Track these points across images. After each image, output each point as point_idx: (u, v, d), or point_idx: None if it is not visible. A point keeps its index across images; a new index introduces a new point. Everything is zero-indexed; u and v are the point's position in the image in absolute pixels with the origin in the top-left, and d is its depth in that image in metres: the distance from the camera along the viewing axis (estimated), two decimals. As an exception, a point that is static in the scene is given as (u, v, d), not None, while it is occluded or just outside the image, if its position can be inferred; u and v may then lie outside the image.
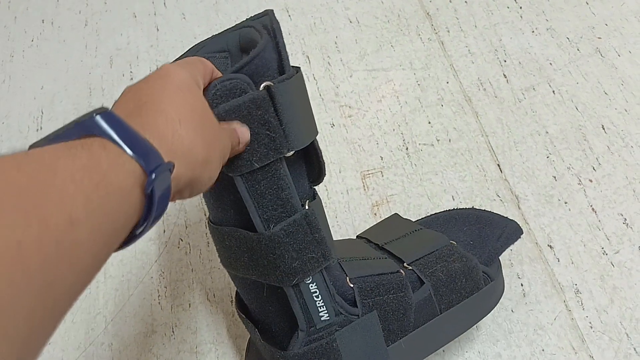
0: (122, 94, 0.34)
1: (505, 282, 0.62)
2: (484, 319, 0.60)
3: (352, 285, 0.49)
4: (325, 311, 0.48)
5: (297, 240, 0.45)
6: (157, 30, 0.90)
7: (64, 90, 0.86)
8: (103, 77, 0.86)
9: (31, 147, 0.28)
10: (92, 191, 0.25)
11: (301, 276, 0.46)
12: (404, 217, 0.64)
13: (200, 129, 0.34)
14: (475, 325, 0.60)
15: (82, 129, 0.28)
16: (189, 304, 0.66)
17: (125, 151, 0.28)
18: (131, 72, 0.86)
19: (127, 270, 0.69)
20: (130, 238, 0.29)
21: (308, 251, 0.46)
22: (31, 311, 0.22)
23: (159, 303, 0.67)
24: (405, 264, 0.52)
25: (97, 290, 0.68)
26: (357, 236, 0.61)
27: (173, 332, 0.65)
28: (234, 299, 0.59)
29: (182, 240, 0.71)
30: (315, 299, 0.47)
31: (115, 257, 0.71)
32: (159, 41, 0.88)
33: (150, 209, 0.29)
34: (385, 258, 0.54)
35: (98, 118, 0.28)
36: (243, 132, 0.40)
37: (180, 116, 0.32)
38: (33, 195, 0.23)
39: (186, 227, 0.71)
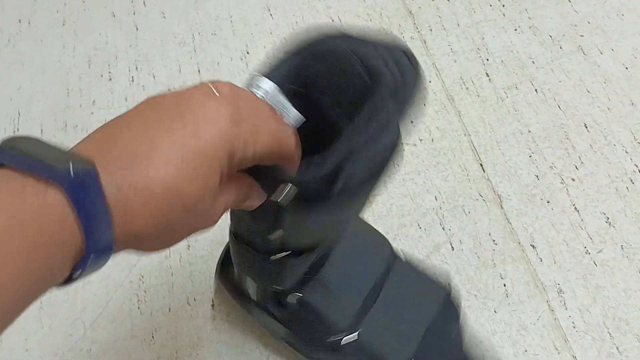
0: (144, 103, 0.29)
1: (488, 282, 0.62)
2: (468, 319, 0.60)
3: None
4: None
5: None
6: (137, 29, 0.88)
7: (41, 91, 0.85)
8: (81, 78, 0.85)
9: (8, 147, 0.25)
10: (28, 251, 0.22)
11: None
12: (387, 216, 0.64)
13: (177, 213, 0.27)
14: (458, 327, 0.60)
15: (52, 176, 0.24)
16: (169, 309, 0.65)
17: (77, 222, 0.24)
18: (110, 72, 0.84)
19: (106, 274, 0.68)
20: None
21: None
22: None
23: (139, 308, 0.65)
24: None
25: (76, 295, 0.67)
26: None
27: (153, 337, 0.64)
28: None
29: (162, 243, 0.69)
30: None
31: (94, 261, 0.70)
32: (138, 40, 0.87)
33: (74, 276, 0.26)
34: None
35: (64, 172, 0.24)
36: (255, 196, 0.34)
37: (164, 188, 0.26)
38: None
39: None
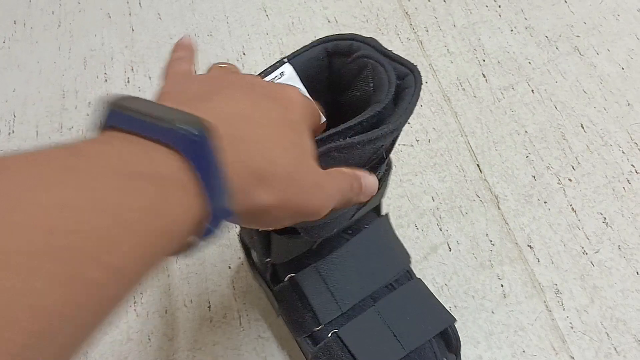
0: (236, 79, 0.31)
1: (485, 283, 0.62)
2: (465, 320, 0.60)
3: None
4: None
5: None
6: (132, 30, 0.88)
7: (37, 93, 0.84)
8: (77, 79, 0.85)
9: (113, 108, 0.24)
10: (149, 241, 0.21)
11: None
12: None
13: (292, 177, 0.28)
14: (456, 328, 0.60)
15: (173, 139, 0.23)
16: (166, 311, 0.65)
17: (202, 194, 0.23)
18: (105, 73, 0.84)
19: (102, 276, 0.67)
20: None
21: None
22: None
23: (135, 310, 0.65)
24: None
25: (71, 298, 0.67)
26: None
27: (149, 339, 0.63)
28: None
29: (158, 245, 0.69)
30: None
31: (90, 263, 0.69)
32: (134, 42, 0.87)
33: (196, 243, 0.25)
34: None
35: (200, 141, 0.23)
36: (369, 183, 0.37)
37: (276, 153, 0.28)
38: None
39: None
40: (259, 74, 0.40)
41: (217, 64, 0.37)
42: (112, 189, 0.20)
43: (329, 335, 0.52)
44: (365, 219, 0.54)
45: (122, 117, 0.23)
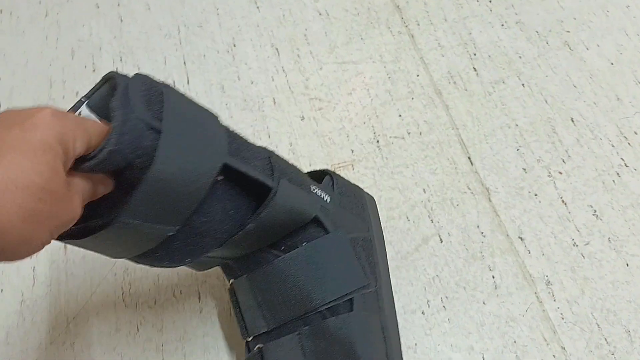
0: None
1: (476, 274, 0.62)
2: (457, 311, 0.60)
3: None
4: None
5: (290, 170, 0.50)
6: (121, 21, 0.87)
7: (23, 84, 0.83)
8: (64, 70, 0.84)
9: None
10: None
11: None
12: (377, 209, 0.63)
13: (28, 207, 0.31)
14: (447, 319, 0.60)
15: None
16: (155, 301, 0.64)
17: None
18: (93, 64, 0.83)
19: (90, 267, 0.67)
20: None
21: (297, 172, 0.52)
22: None
23: (123, 301, 0.64)
24: None
25: (59, 289, 0.66)
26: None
27: (138, 330, 0.62)
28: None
29: (147, 236, 0.68)
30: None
31: (77, 255, 0.68)
32: (122, 33, 0.86)
33: None
34: None
35: None
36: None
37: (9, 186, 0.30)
38: None
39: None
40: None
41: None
42: None
43: (255, 348, 0.52)
44: (306, 235, 0.51)
45: None
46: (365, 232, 0.57)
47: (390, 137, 0.72)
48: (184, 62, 0.82)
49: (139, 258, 0.44)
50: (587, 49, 0.75)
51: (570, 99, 0.72)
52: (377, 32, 0.81)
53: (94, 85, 0.40)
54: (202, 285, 0.64)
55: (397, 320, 0.58)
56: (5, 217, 0.29)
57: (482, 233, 0.64)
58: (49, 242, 0.33)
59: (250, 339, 0.53)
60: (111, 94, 0.38)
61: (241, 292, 0.53)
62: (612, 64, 0.74)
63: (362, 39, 0.81)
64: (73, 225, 0.36)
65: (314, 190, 0.52)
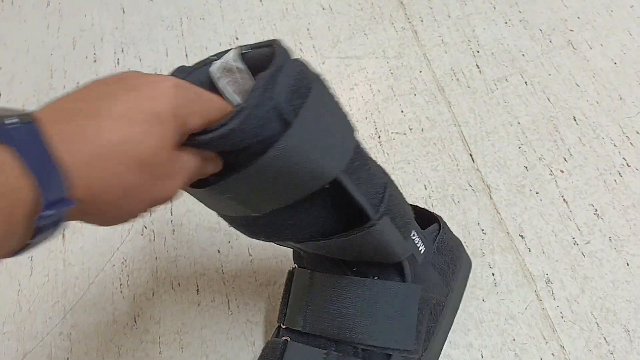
0: (85, 85, 0.30)
1: (476, 271, 0.61)
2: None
3: None
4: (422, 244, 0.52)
5: (399, 208, 0.47)
6: (123, 12, 0.87)
7: (24, 72, 0.83)
8: (65, 59, 0.83)
9: None
10: None
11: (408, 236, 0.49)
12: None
13: (131, 172, 0.29)
14: (446, 315, 0.60)
15: None
16: (153, 293, 0.64)
17: (28, 173, 0.24)
18: (95, 54, 0.83)
19: (88, 258, 0.66)
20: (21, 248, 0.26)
21: (406, 212, 0.49)
22: None
23: (121, 292, 0.64)
24: None
25: (56, 279, 0.65)
26: None
27: (135, 321, 0.62)
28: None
29: (146, 227, 0.68)
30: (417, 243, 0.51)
31: (75, 245, 0.68)
32: (124, 23, 0.85)
33: (36, 236, 0.26)
34: None
35: (11, 126, 0.24)
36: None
37: (117, 148, 0.28)
38: None
39: (150, 214, 0.68)
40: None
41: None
42: None
43: (283, 338, 0.51)
44: (382, 272, 0.50)
45: None
46: (441, 297, 0.55)
47: (392, 132, 0.72)
48: (186, 54, 0.81)
49: (229, 219, 0.44)
50: (591, 49, 0.75)
51: (573, 97, 0.72)
52: (381, 28, 0.81)
53: (253, 43, 0.40)
54: (200, 278, 0.64)
55: None
56: (103, 184, 0.28)
57: (483, 230, 0.64)
58: (139, 217, 0.32)
59: (284, 326, 0.52)
60: (267, 61, 0.36)
61: (298, 283, 0.52)
62: (616, 63, 0.73)
63: (365, 34, 0.81)
64: None
65: (412, 236, 0.50)
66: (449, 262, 0.56)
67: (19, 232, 0.25)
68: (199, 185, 0.38)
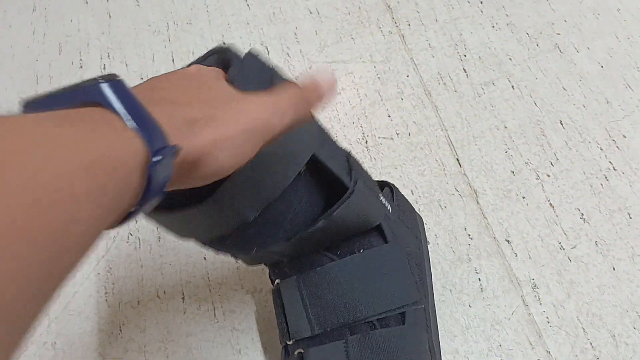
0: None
1: (463, 277, 0.61)
2: (442, 314, 0.59)
3: None
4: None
5: (363, 172, 0.49)
6: (110, 16, 0.86)
7: (9, 78, 0.82)
8: (51, 65, 0.83)
9: (24, 106, 0.25)
10: (93, 167, 0.22)
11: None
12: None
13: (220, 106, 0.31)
14: (432, 321, 0.59)
15: (82, 94, 0.25)
16: (138, 301, 0.63)
17: (129, 126, 0.25)
18: (81, 59, 0.82)
19: (73, 265, 0.66)
20: (125, 218, 0.27)
21: (369, 175, 0.51)
22: (32, 287, 0.19)
23: (106, 300, 0.63)
24: None
25: (40, 287, 0.65)
26: None
27: (120, 330, 0.62)
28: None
29: (131, 235, 0.68)
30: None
31: (60, 252, 0.67)
32: (111, 28, 0.85)
33: (149, 190, 0.26)
34: None
35: (104, 86, 0.25)
36: (317, 88, 0.36)
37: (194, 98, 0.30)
38: (32, 166, 0.20)
39: (136, 222, 0.68)
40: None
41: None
42: (57, 125, 0.22)
43: (296, 353, 0.50)
44: (363, 242, 0.51)
45: (55, 98, 0.26)
46: (417, 249, 0.56)
47: (379, 137, 0.72)
48: (172, 59, 0.81)
49: (212, 242, 0.44)
50: (578, 52, 0.75)
51: (559, 101, 0.72)
52: (368, 32, 0.81)
53: (200, 56, 0.41)
54: (186, 286, 0.64)
55: (439, 342, 0.56)
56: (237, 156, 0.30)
57: (469, 235, 0.64)
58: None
59: (291, 342, 0.51)
60: (221, 67, 0.38)
61: (288, 293, 0.51)
62: (602, 67, 0.73)
63: (352, 38, 0.81)
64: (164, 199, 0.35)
65: (380, 197, 0.51)
66: (410, 216, 0.58)
67: (134, 184, 0.25)
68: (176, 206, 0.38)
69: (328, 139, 0.46)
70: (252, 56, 0.39)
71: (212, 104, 0.31)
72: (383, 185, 0.59)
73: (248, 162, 0.33)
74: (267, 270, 0.63)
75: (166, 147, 0.26)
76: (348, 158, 0.48)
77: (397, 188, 0.59)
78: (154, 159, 0.25)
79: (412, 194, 0.67)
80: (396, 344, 0.48)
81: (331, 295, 0.49)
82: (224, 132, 0.30)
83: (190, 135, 0.28)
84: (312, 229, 0.45)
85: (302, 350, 0.50)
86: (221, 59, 0.39)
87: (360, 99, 0.75)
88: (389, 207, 0.52)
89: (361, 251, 0.50)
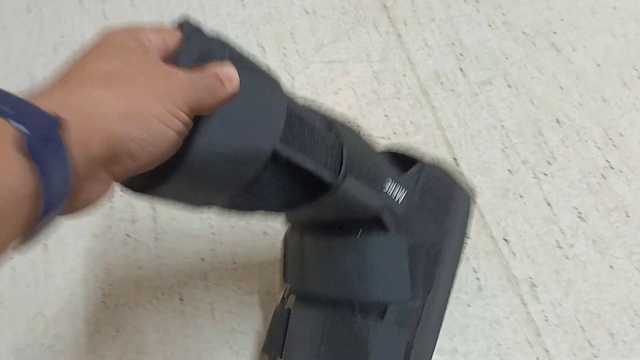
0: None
1: (461, 276, 0.61)
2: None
3: None
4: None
5: (364, 163, 0.46)
6: (105, 17, 0.86)
7: (4, 80, 0.82)
8: (46, 66, 0.82)
9: None
10: None
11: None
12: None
13: (124, 82, 0.31)
14: (431, 321, 0.59)
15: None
16: (136, 303, 0.63)
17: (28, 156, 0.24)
18: (77, 60, 0.82)
19: (70, 267, 0.66)
20: (35, 229, 0.26)
21: (374, 165, 0.47)
22: None
23: (104, 302, 0.63)
24: None
25: (37, 289, 0.65)
26: None
27: (118, 332, 0.62)
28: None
29: (129, 236, 0.67)
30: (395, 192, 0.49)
31: (56, 254, 0.67)
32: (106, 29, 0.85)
33: (44, 173, 0.25)
34: None
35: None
36: (226, 72, 0.34)
37: (100, 71, 0.31)
38: None
39: (133, 223, 0.68)
40: None
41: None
42: None
43: (286, 307, 0.53)
44: (365, 223, 0.48)
45: None
46: (437, 239, 0.52)
47: (377, 137, 0.71)
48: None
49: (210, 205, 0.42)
50: (574, 50, 0.75)
51: (556, 100, 0.72)
52: (364, 31, 0.81)
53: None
54: (184, 287, 0.64)
55: (438, 334, 0.54)
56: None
57: (467, 234, 0.64)
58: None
59: (287, 287, 0.54)
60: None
61: (291, 242, 0.53)
62: (599, 65, 0.74)
63: (349, 38, 0.80)
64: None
65: (386, 189, 0.48)
66: (439, 203, 0.53)
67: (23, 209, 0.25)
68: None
69: (306, 131, 0.42)
70: (194, 30, 0.37)
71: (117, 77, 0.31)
72: (413, 162, 0.55)
73: (182, 167, 0.33)
74: (265, 270, 0.63)
75: (48, 123, 0.26)
76: (342, 145, 0.44)
77: (432, 166, 0.54)
78: (32, 135, 0.25)
79: (410, 193, 0.67)
80: (366, 338, 0.47)
81: (323, 265, 0.49)
82: (131, 107, 0.30)
83: (98, 120, 0.29)
84: (297, 211, 0.45)
85: (294, 296, 0.52)
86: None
87: (357, 99, 0.75)
88: (400, 197, 0.49)
89: (360, 231, 0.48)
